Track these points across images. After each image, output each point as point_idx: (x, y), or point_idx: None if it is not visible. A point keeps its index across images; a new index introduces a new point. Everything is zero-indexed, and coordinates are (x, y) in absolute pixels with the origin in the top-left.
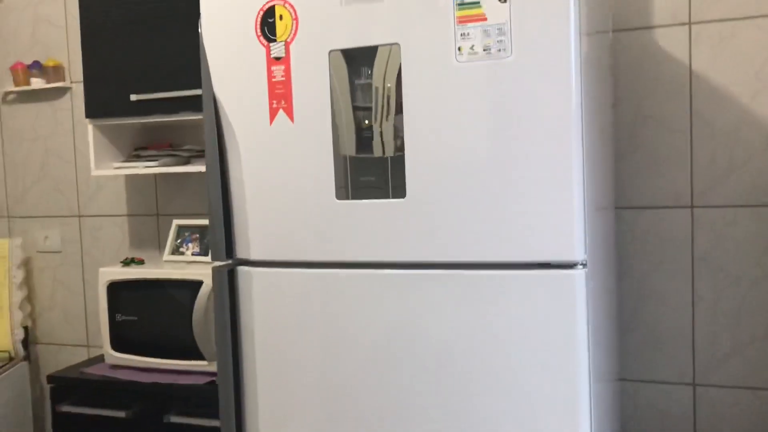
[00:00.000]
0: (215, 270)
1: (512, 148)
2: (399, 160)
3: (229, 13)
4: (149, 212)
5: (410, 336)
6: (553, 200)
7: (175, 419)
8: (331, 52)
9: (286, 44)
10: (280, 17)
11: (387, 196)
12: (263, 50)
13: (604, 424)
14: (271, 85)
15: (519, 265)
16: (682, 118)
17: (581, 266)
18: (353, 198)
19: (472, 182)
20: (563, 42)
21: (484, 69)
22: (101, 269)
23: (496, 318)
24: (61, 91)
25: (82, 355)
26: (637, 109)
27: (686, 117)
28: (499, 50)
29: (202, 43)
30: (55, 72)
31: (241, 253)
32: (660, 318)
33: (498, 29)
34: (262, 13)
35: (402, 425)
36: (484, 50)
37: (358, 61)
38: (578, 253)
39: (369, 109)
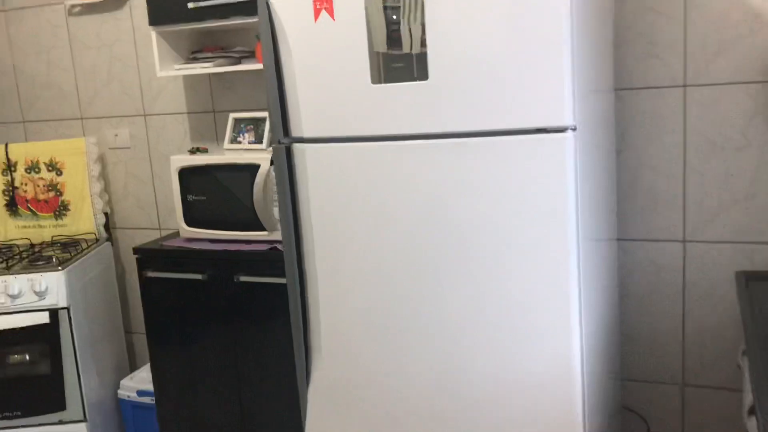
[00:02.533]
0: (275, 148)
1: (516, 37)
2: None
3: None
4: (206, 109)
5: (432, 194)
6: (547, 76)
7: (243, 278)
8: None
9: None
10: None
11: (413, 80)
12: None
13: (596, 276)
14: None
15: (521, 131)
16: (677, 6)
17: (571, 130)
18: (385, 82)
19: (483, 63)
20: None
21: None
22: (172, 157)
23: (505, 177)
24: (121, 2)
25: (154, 237)
26: (638, 1)
27: (681, 5)
28: None
29: None
30: None
31: (295, 132)
32: (655, 185)
33: None
34: None
35: (417, 268)
36: None
37: None
38: (568, 119)
39: (399, 8)
